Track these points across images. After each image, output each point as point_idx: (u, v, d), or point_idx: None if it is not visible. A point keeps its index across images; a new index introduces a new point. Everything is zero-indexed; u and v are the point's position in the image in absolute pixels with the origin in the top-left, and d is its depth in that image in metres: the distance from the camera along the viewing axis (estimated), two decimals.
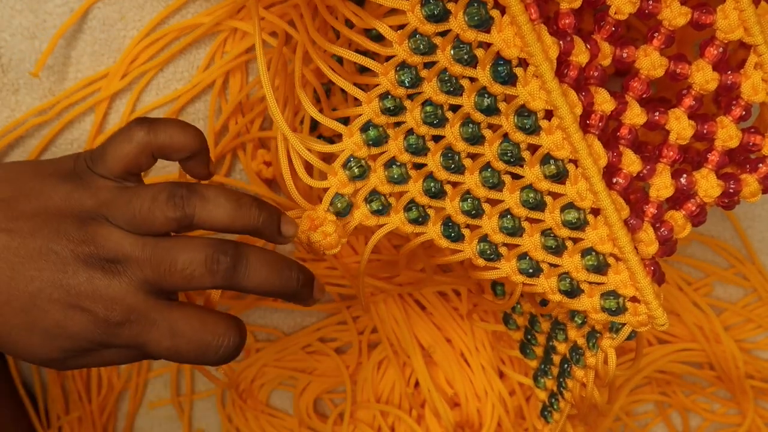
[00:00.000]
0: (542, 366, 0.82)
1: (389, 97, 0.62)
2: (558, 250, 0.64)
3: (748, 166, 0.65)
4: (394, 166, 0.64)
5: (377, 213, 0.66)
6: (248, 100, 0.87)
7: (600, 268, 0.63)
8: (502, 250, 0.65)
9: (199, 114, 0.88)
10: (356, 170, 0.64)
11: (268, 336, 1.00)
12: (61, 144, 0.87)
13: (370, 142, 0.64)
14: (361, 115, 0.63)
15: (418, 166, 0.65)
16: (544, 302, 0.75)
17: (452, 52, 0.59)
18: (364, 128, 0.64)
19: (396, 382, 0.99)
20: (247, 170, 0.89)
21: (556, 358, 0.78)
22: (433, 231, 0.66)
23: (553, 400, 0.81)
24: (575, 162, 0.61)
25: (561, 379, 0.77)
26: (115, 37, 0.84)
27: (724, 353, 1.01)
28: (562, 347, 0.76)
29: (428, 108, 0.62)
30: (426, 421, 0.98)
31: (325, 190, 0.66)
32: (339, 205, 0.65)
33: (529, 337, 0.83)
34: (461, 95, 0.61)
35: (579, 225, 0.62)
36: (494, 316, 0.95)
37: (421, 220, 0.66)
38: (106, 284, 0.57)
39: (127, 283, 0.58)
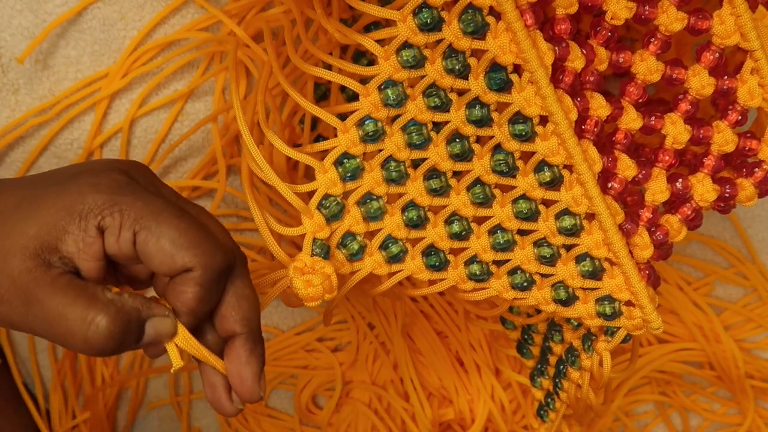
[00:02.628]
0: (539, 366, 0.82)
1: (370, 121, 0.60)
2: (552, 259, 0.64)
3: (744, 169, 0.65)
4: (370, 201, 0.62)
5: (352, 257, 0.63)
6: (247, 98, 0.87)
7: (595, 273, 0.63)
8: (492, 268, 0.64)
9: (199, 114, 0.88)
10: (334, 208, 0.62)
11: (267, 335, 1.00)
12: (61, 144, 0.87)
13: (348, 175, 0.61)
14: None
15: (395, 198, 0.63)
16: (530, 314, 0.76)
17: (444, 62, 0.58)
18: (339, 161, 0.61)
19: (388, 374, 0.99)
20: (243, 172, 0.89)
21: (552, 359, 0.78)
22: (412, 265, 0.64)
23: (549, 400, 0.81)
24: (570, 168, 0.61)
25: (557, 380, 0.77)
26: (115, 37, 0.84)
27: (723, 353, 1.01)
28: (558, 348, 0.76)
29: (412, 128, 0.60)
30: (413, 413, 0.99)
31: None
32: (318, 251, 0.62)
33: (526, 336, 0.83)
34: (448, 111, 0.60)
35: (575, 231, 0.62)
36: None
37: (401, 255, 0.63)
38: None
39: None
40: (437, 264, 0.64)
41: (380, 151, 0.61)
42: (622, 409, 1.04)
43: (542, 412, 0.82)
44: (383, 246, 0.63)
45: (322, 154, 0.61)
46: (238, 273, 0.57)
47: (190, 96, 0.88)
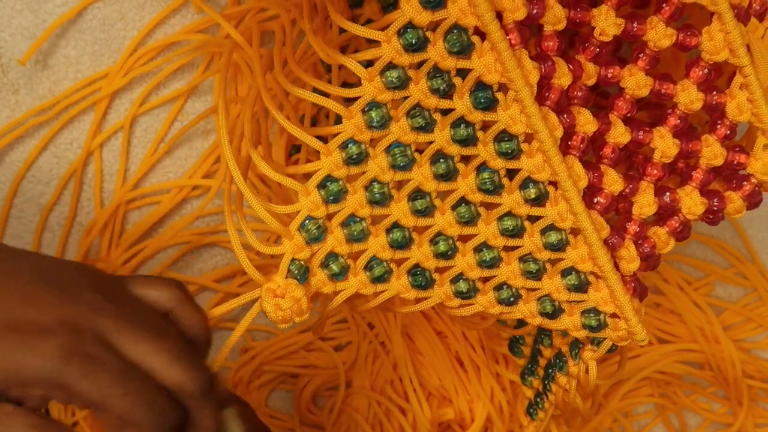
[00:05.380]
0: (529, 365, 0.82)
1: (353, 144, 0.59)
2: (538, 274, 0.64)
3: (733, 182, 0.65)
4: (353, 223, 0.61)
5: (335, 277, 0.63)
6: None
7: (581, 286, 0.64)
8: (478, 284, 0.64)
9: (199, 114, 0.89)
10: (314, 232, 0.61)
11: (267, 335, 1.01)
12: (61, 144, 0.88)
13: (331, 198, 0.60)
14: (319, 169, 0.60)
15: (377, 220, 0.62)
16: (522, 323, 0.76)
17: (429, 83, 0.58)
18: (322, 184, 0.60)
19: (388, 374, 0.99)
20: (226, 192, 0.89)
21: (542, 361, 0.78)
22: (398, 285, 0.63)
23: (538, 399, 0.81)
24: (555, 184, 0.61)
25: (546, 382, 0.77)
26: (115, 37, 0.85)
27: (722, 353, 1.01)
28: (547, 352, 0.76)
29: (396, 150, 0.59)
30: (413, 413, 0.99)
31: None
32: (296, 271, 0.62)
33: (517, 336, 0.83)
34: (432, 131, 0.59)
35: (561, 246, 0.62)
36: None
37: (386, 276, 0.63)
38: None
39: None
40: (423, 283, 0.63)
41: (364, 172, 0.60)
42: (621, 409, 1.04)
43: (532, 411, 0.83)
44: (367, 267, 0.63)
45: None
46: (197, 408, 0.58)
47: (190, 95, 0.88)
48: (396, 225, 0.62)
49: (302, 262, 0.61)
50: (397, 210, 0.61)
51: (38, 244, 0.93)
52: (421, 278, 0.63)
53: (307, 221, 0.61)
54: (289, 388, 1.02)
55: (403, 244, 0.62)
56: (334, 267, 0.62)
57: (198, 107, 0.89)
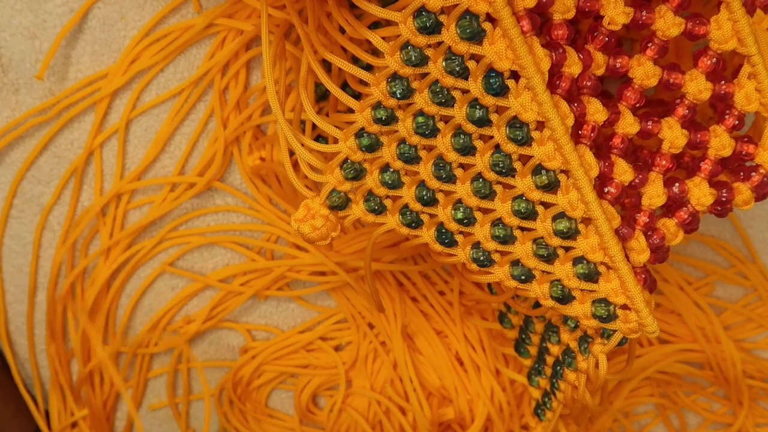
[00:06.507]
0: (536, 365, 0.82)
1: (381, 107, 0.62)
2: (549, 258, 0.64)
3: (741, 173, 0.65)
4: (387, 172, 0.65)
5: (373, 212, 0.66)
6: (245, 92, 0.87)
7: (591, 276, 0.64)
8: (495, 256, 0.65)
9: (198, 114, 0.88)
10: (352, 172, 0.65)
11: (268, 335, 1.00)
12: (60, 144, 0.88)
13: (363, 149, 0.64)
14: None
15: (413, 173, 0.65)
16: (539, 303, 0.75)
17: (444, 63, 0.59)
18: (358, 134, 0.64)
19: (388, 374, 0.99)
20: (241, 166, 0.89)
21: (549, 360, 0.78)
22: (427, 236, 0.66)
23: (546, 399, 0.81)
24: (566, 172, 0.61)
25: (554, 380, 0.77)
26: (115, 37, 0.84)
27: (723, 353, 1.01)
28: (554, 349, 0.76)
29: (420, 119, 0.62)
30: (413, 413, 0.98)
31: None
32: (336, 200, 0.66)
33: (524, 336, 0.83)
34: (453, 106, 0.61)
35: (570, 234, 0.62)
36: (492, 315, 0.95)
37: (414, 225, 0.66)
38: None
39: None
40: (446, 241, 0.66)
41: (396, 131, 0.64)
42: (621, 409, 1.04)
43: (539, 411, 0.83)
44: (400, 212, 0.66)
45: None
46: None
47: (190, 95, 0.88)
48: (423, 183, 0.65)
49: (343, 194, 0.65)
50: (423, 171, 0.64)
51: (38, 244, 0.92)
52: (444, 236, 0.66)
53: (346, 162, 0.64)
54: (289, 388, 1.02)
55: (428, 202, 0.65)
56: (371, 204, 0.66)
57: (198, 107, 0.88)
